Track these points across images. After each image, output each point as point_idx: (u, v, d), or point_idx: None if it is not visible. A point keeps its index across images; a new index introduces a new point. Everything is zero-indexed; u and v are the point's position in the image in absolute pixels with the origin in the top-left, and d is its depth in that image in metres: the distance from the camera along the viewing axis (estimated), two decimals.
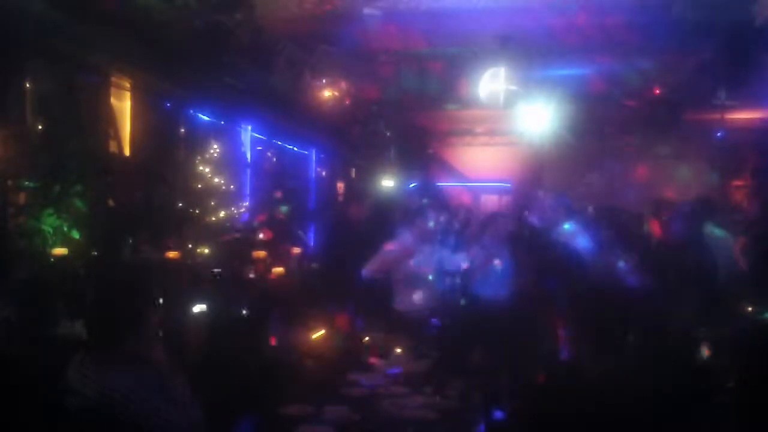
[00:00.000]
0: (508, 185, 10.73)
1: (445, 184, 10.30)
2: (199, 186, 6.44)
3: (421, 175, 9.84)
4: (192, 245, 5.89)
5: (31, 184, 4.56)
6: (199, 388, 2.45)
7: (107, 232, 5.00)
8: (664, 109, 7.62)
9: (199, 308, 4.70)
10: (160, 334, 2.55)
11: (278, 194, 8.20)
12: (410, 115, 9.56)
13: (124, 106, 5.66)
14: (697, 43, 5.79)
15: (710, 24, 5.28)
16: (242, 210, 7.19)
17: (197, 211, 6.28)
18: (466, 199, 9.83)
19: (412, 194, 5.21)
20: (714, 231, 5.18)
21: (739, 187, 10.24)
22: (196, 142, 6.55)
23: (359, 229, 6.28)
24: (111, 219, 5.12)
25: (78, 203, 4.75)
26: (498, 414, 3.05)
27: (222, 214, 6.60)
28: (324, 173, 10.15)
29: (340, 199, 10.28)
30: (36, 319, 3.91)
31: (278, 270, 6.24)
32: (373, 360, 3.96)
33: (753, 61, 5.64)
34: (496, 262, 4.87)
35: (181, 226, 5.90)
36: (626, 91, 7.56)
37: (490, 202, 10.65)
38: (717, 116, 8.04)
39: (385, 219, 5.97)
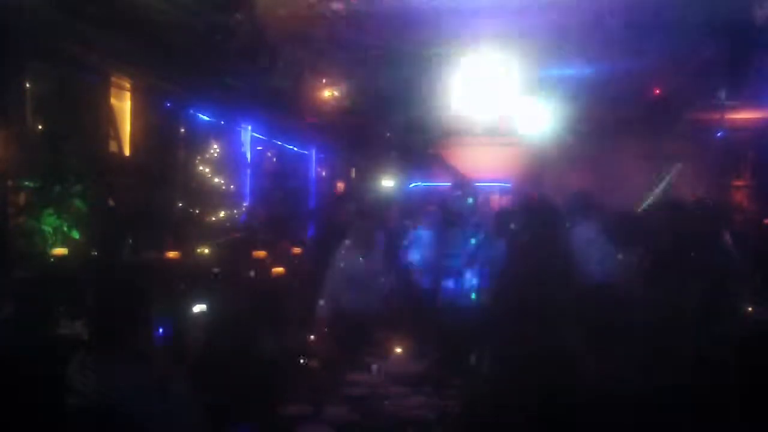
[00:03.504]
0: (508, 185, 10.74)
1: (444, 184, 10.31)
2: (199, 186, 6.44)
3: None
4: (192, 245, 5.90)
5: (31, 184, 4.56)
6: (199, 387, 2.45)
7: (107, 232, 5.00)
8: (664, 109, 7.62)
9: (199, 308, 4.70)
10: (161, 334, 2.55)
11: (278, 194, 8.21)
12: (410, 115, 9.55)
13: (124, 106, 5.66)
14: (697, 43, 5.78)
15: (710, 24, 5.28)
16: (242, 210, 7.19)
17: (197, 211, 6.28)
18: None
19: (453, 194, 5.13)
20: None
21: (739, 187, 10.25)
22: (196, 142, 6.55)
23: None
24: (111, 219, 5.13)
25: (78, 203, 4.76)
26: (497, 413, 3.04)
27: (222, 214, 6.60)
28: (324, 173, 10.16)
29: (339, 199, 10.29)
30: (36, 319, 3.90)
31: (278, 270, 6.24)
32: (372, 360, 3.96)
33: (753, 61, 5.64)
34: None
35: (181, 226, 5.91)
36: (626, 91, 7.56)
37: (490, 202, 10.64)
38: (717, 116, 8.04)
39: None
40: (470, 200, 5.04)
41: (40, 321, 3.89)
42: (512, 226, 4.80)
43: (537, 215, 4.22)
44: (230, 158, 7.09)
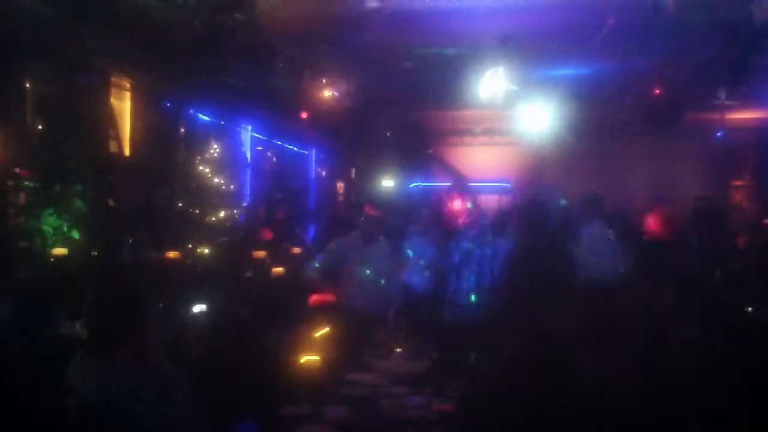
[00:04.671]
0: (508, 185, 10.74)
1: (444, 184, 10.32)
2: (199, 186, 6.45)
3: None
4: (192, 245, 5.90)
5: (31, 184, 4.56)
6: (199, 388, 2.45)
7: (107, 232, 5.00)
8: (664, 109, 7.61)
9: (199, 308, 4.70)
10: (161, 334, 2.55)
11: (278, 194, 8.21)
12: (410, 115, 9.56)
13: (124, 106, 5.66)
14: (697, 43, 5.78)
15: (710, 24, 5.28)
16: (242, 210, 7.19)
17: (197, 211, 6.28)
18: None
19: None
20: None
21: (739, 187, 10.26)
22: (196, 142, 6.56)
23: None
24: (111, 219, 5.13)
25: (78, 203, 4.76)
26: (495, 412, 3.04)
27: (222, 214, 6.60)
28: (324, 173, 10.16)
29: (340, 198, 10.30)
30: (36, 319, 3.91)
31: (278, 270, 6.24)
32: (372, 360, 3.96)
33: (753, 61, 5.64)
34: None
35: (181, 226, 5.91)
36: (626, 91, 7.56)
37: (490, 202, 10.65)
38: (717, 116, 8.04)
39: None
40: (469, 204, 5.04)
41: (40, 321, 3.90)
42: (513, 228, 4.81)
43: (536, 217, 4.22)
44: (230, 158, 7.09)
